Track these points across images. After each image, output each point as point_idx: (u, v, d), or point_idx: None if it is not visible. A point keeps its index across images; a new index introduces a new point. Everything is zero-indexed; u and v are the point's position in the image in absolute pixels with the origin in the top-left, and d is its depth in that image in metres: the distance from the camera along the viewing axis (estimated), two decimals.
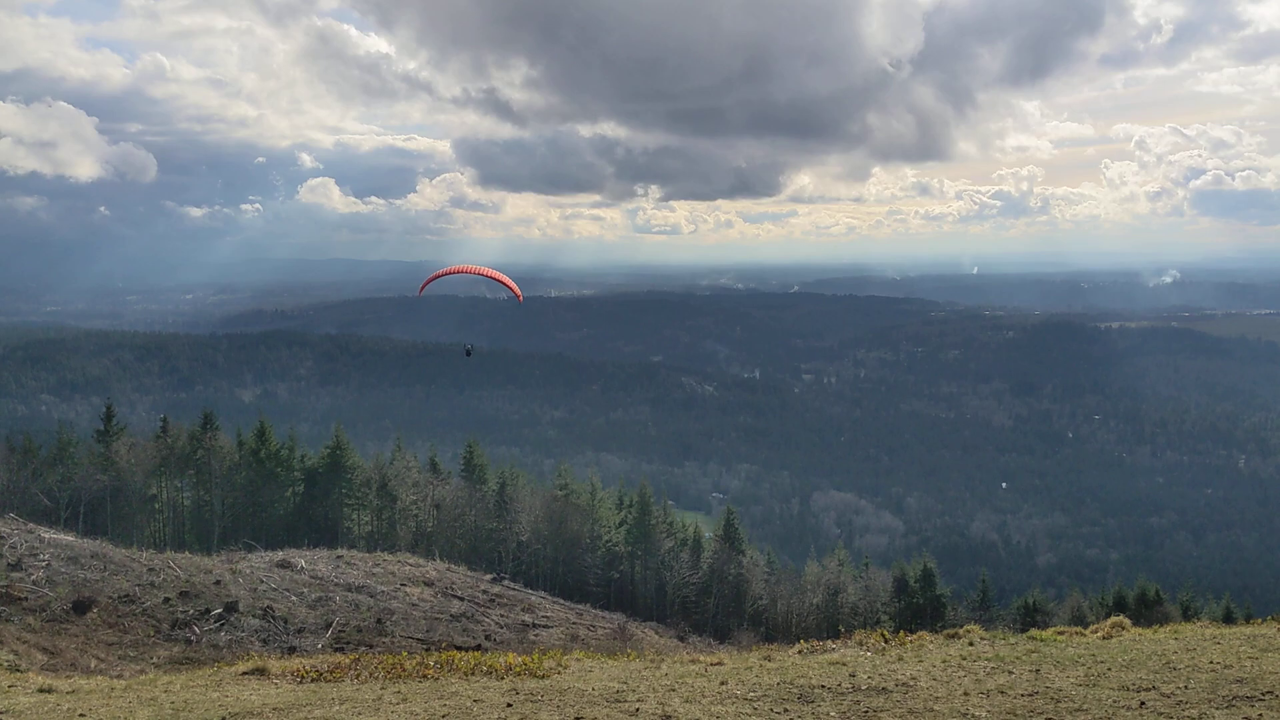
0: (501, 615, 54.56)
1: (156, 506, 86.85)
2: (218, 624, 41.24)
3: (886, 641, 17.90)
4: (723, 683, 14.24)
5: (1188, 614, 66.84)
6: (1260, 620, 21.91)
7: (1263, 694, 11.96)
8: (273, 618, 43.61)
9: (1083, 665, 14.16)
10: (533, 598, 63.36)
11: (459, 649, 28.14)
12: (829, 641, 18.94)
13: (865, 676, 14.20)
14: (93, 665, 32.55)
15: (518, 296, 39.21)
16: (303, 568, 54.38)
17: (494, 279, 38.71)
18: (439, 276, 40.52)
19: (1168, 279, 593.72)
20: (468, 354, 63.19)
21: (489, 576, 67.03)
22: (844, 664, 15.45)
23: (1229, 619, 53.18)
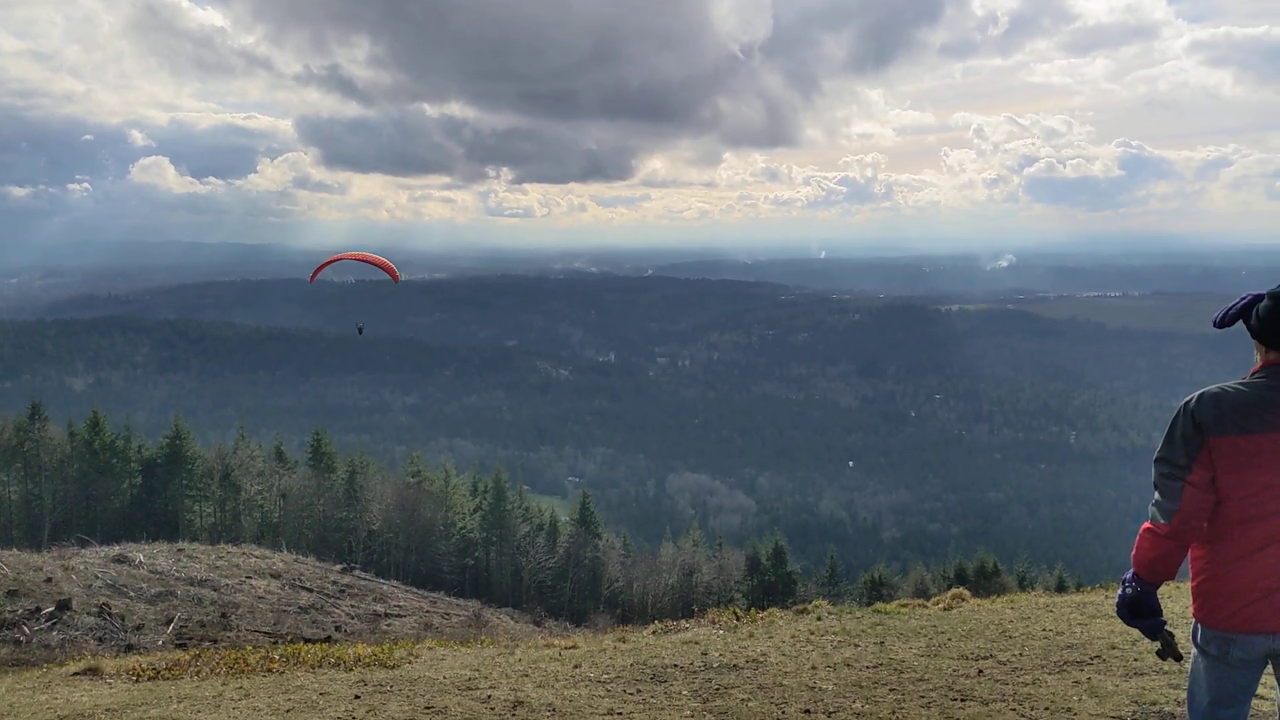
0: (352, 606, 53.40)
1: None
2: (49, 623, 39.18)
3: (738, 619, 18.09)
4: (576, 666, 14.16)
5: (1023, 584, 69.83)
6: (1089, 588, 23.02)
7: (1090, 658, 12.51)
8: (109, 615, 41.68)
9: (925, 636, 14.57)
10: (385, 587, 62.22)
11: (308, 641, 27.39)
12: (683, 621, 19.04)
13: (717, 654, 14.32)
14: None
15: (394, 278, 38.54)
16: (141, 562, 52.13)
17: (377, 264, 38.07)
18: (331, 263, 39.75)
19: (1004, 263, 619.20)
20: (360, 332, 61.12)
21: (339, 567, 65.53)
22: (697, 643, 15.55)
23: (1061, 588, 55.70)
